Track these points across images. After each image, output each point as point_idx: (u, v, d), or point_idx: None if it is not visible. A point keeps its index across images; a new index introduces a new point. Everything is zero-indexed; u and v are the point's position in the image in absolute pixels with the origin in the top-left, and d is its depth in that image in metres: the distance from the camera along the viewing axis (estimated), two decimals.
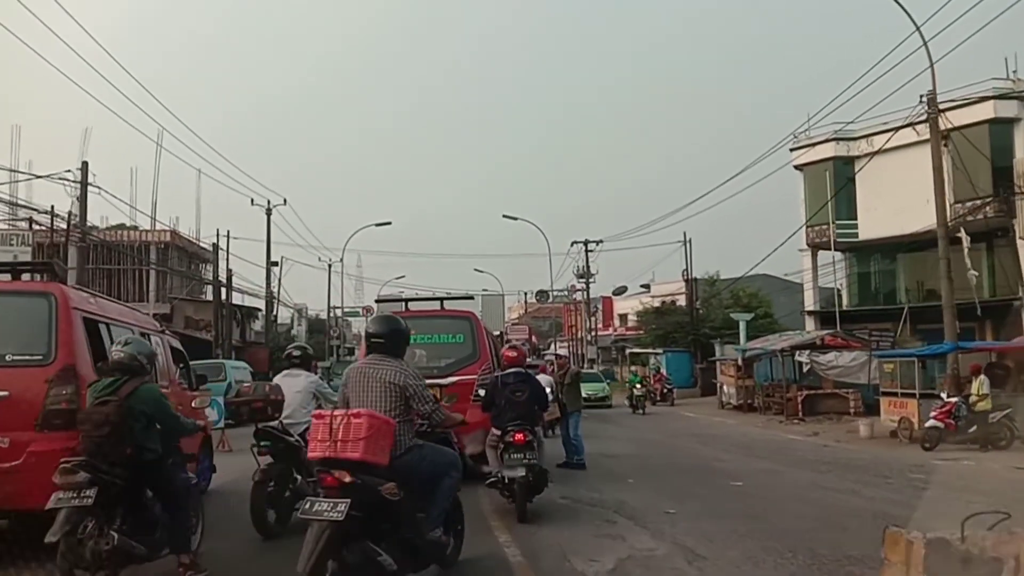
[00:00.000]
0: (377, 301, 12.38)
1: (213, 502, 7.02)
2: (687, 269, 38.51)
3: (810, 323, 32.52)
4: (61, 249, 21.91)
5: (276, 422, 6.79)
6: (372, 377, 4.71)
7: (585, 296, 45.38)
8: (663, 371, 33.83)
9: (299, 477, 6.72)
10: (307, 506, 4.16)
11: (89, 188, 21.11)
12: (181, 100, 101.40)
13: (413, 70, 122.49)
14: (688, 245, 37.80)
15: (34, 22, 17.12)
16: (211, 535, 5.83)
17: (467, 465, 6.31)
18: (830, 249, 31.63)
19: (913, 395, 15.97)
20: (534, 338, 52.80)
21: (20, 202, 22.80)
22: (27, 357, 5.65)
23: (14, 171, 23.45)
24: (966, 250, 18.24)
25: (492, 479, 7.46)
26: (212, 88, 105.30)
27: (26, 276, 6.72)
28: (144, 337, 7.26)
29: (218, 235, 34.82)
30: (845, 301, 32.45)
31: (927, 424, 14.40)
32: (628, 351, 40.97)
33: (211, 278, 36.26)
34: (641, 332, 46.19)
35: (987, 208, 24.95)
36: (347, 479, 4.14)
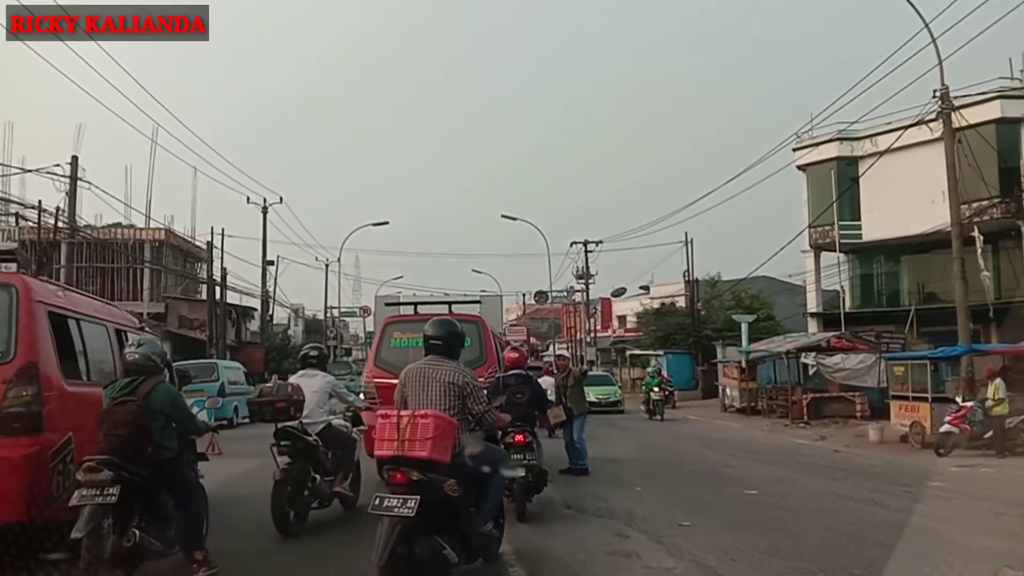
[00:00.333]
0: (387, 304, 12.61)
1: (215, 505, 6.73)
2: (688, 270, 38.08)
3: (813, 325, 32.08)
4: (50, 246, 21.30)
5: (296, 422, 6.84)
6: (431, 377, 4.89)
7: (584, 297, 44.90)
8: (664, 373, 33.35)
9: (317, 476, 6.91)
10: (377, 502, 4.33)
11: (82, 185, 20.65)
12: (181, 100, 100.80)
13: (413, 70, 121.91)
14: (689, 246, 37.38)
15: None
16: (225, 535, 5.93)
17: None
18: (833, 251, 31.25)
19: (925, 399, 15.48)
20: (532, 339, 52.33)
21: (9, 198, 22.30)
22: None
23: (3, 165, 22.87)
24: (979, 250, 17.77)
25: None
26: (212, 88, 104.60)
27: None
28: (121, 334, 6.78)
29: (212, 233, 34.25)
30: (847, 303, 32.02)
31: (941, 429, 13.94)
32: (628, 353, 40.39)
33: (205, 277, 35.70)
34: (640, 334, 45.70)
35: (994, 209, 24.56)
36: (415, 477, 4.37)
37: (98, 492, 4.56)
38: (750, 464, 12.74)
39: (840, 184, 30.08)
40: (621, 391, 29.70)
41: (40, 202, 19.37)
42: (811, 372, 22.30)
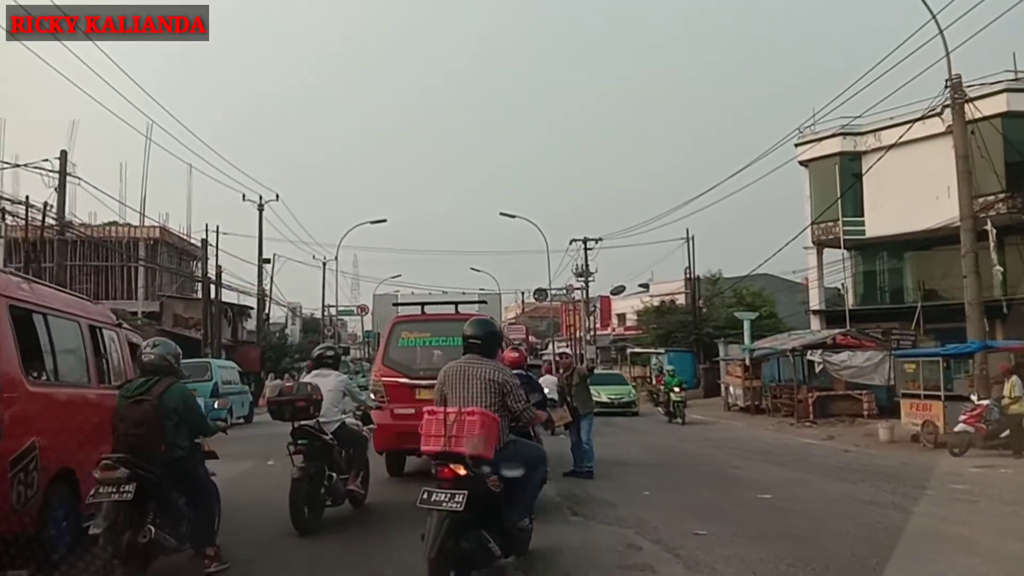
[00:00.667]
0: (394, 304, 12.66)
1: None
2: (690, 267, 37.62)
3: (815, 322, 31.69)
4: (39, 243, 20.80)
5: (313, 421, 6.92)
6: (472, 375, 4.97)
7: (584, 295, 44.46)
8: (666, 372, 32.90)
9: (333, 475, 7.02)
10: (425, 496, 4.44)
11: (76, 183, 20.17)
12: (181, 100, 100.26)
13: (413, 70, 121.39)
14: (691, 242, 36.93)
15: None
16: (233, 535, 5.94)
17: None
18: (836, 247, 30.83)
19: (938, 397, 15.04)
20: (532, 338, 51.82)
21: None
22: None
23: None
24: (992, 244, 17.34)
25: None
26: (212, 88, 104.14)
27: None
28: (96, 331, 6.33)
29: (207, 230, 33.74)
30: (850, 300, 31.62)
31: (956, 428, 13.50)
32: (629, 351, 39.87)
33: (200, 275, 35.20)
34: (640, 332, 45.26)
35: (1000, 204, 24.12)
36: (462, 472, 4.48)
37: (115, 489, 4.68)
38: (760, 465, 12.31)
39: (843, 179, 29.69)
40: (635, 391, 27.58)
41: (28, 197, 18.88)
42: (817, 370, 21.87)
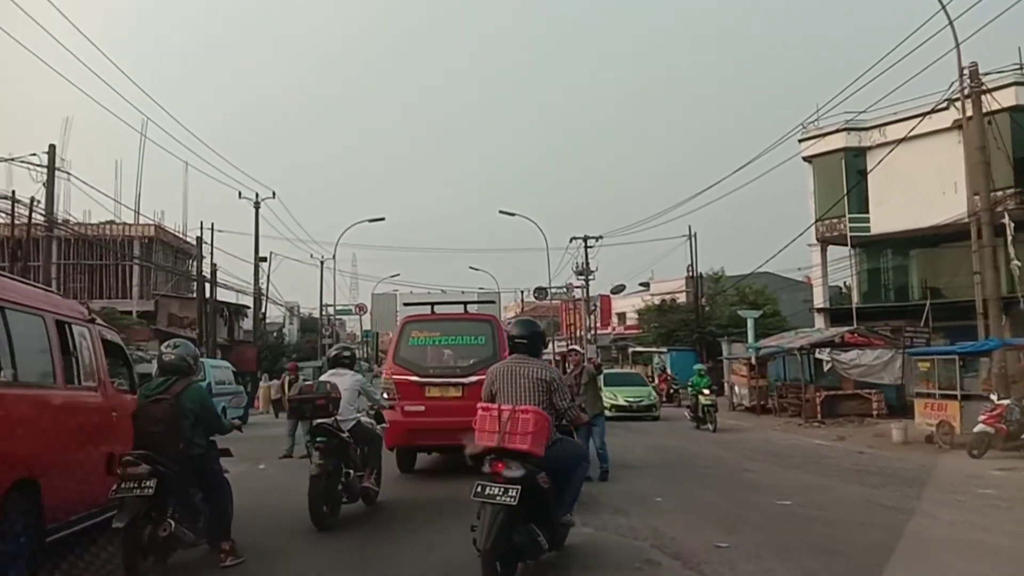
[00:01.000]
0: (405, 304, 13.00)
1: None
2: (692, 264, 37.11)
3: (819, 320, 31.22)
4: (26, 241, 20.24)
5: (331, 419, 7.09)
6: (520, 374, 5.12)
7: (584, 293, 43.96)
8: (668, 371, 32.40)
9: (350, 472, 7.19)
10: (479, 489, 4.61)
11: (67, 178, 19.61)
12: (182, 100, 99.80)
13: (413, 70, 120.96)
14: (693, 240, 36.43)
15: (24, 15, 15.76)
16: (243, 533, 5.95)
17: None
18: (840, 244, 30.36)
19: (954, 396, 14.55)
20: None
21: None
22: None
23: None
24: (1010, 237, 16.83)
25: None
26: (212, 88, 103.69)
27: None
28: (66, 326, 5.81)
29: (202, 228, 33.24)
30: (854, 298, 31.15)
31: (975, 429, 13.00)
32: (631, 350, 39.34)
33: (195, 273, 34.68)
34: (640, 331, 44.77)
35: (1008, 200, 23.64)
36: (516, 467, 4.64)
37: (136, 485, 4.87)
38: (773, 468, 11.80)
39: (848, 175, 29.21)
40: (655, 394, 24.62)
41: (14, 192, 18.31)
42: (826, 368, 21.38)
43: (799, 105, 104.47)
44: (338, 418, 7.17)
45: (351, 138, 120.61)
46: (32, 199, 18.40)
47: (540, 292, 47.50)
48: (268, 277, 39.53)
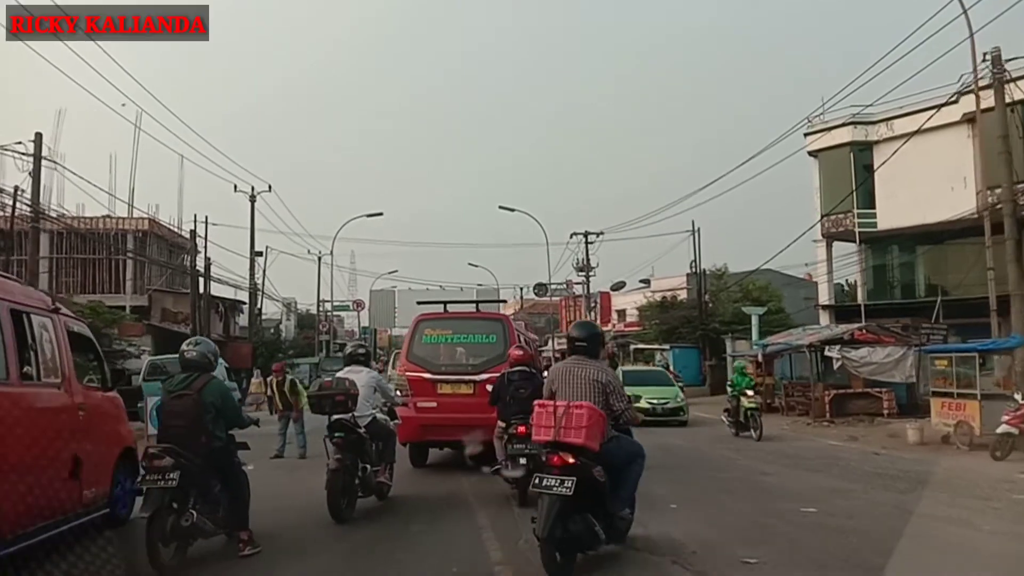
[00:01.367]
0: (419, 303, 12.71)
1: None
2: (695, 260, 36.54)
3: (824, 317, 30.66)
4: (9, 233, 19.60)
5: (349, 415, 7.28)
6: (578, 375, 5.30)
7: (585, 290, 43.40)
8: (672, 368, 31.81)
9: (367, 466, 7.38)
10: (537, 480, 4.87)
11: (54, 167, 18.98)
12: (182, 96, 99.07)
13: (413, 70, 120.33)
14: (696, 235, 35.86)
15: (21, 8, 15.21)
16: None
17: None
18: (847, 240, 29.79)
19: (973, 396, 13.99)
20: (531, 334, 50.58)
21: None
22: None
23: None
24: None
25: (497, 467, 8.12)
26: (213, 87, 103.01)
27: None
28: (23, 316, 5.22)
29: (195, 221, 32.55)
30: (859, 295, 30.61)
31: (998, 430, 12.44)
32: (633, 347, 38.73)
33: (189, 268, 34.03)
34: (641, 328, 44.20)
35: (1019, 195, 23.10)
36: (571, 460, 4.85)
37: (160, 477, 5.09)
38: (790, 471, 11.23)
39: (856, 170, 28.64)
40: (683, 395, 21.13)
41: None
42: (836, 366, 20.81)
43: (800, 105, 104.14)
44: (355, 414, 7.34)
45: (351, 136, 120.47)
46: (16, 188, 17.78)
47: (540, 288, 46.95)
48: (264, 272, 38.95)
